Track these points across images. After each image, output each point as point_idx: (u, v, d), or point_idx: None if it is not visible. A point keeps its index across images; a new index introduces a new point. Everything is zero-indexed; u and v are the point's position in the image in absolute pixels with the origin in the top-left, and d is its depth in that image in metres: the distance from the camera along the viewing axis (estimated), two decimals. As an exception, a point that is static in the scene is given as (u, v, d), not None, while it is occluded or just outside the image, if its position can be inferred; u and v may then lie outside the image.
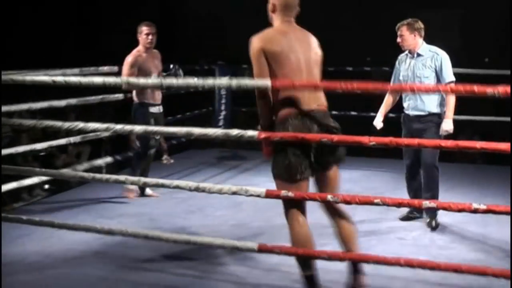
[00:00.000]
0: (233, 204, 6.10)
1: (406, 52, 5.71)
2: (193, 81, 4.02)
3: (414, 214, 5.74)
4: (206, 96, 9.40)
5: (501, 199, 5.98)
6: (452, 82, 5.48)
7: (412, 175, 5.76)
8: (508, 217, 4.48)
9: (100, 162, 7.28)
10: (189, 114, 9.13)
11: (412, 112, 5.64)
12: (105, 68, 6.93)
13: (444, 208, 3.67)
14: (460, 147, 3.50)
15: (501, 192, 6.53)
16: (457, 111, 5.66)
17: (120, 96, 7.04)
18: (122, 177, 4.45)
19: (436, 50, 5.59)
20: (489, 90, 3.20)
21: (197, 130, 3.99)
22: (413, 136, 5.38)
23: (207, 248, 4.39)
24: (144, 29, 6.39)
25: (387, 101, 5.82)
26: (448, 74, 5.51)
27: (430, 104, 5.53)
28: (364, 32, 12.14)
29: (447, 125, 5.47)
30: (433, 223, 5.50)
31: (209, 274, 4.39)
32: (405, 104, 5.70)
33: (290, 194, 3.78)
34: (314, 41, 3.90)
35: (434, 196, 5.46)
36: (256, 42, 3.73)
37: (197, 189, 4.12)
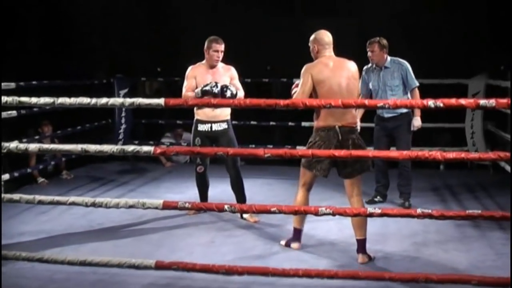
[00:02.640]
0: (134, 218, 6.03)
1: (372, 64, 6.54)
2: (87, 100, 3.97)
3: (378, 198, 6.73)
4: (106, 108, 9.27)
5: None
6: (416, 86, 6.42)
7: (382, 174, 6.71)
8: (403, 219, 4.69)
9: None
10: (89, 126, 8.97)
11: (386, 114, 6.49)
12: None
13: (340, 214, 3.76)
14: (353, 156, 3.62)
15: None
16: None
17: (13, 112, 6.75)
18: (16, 196, 4.32)
19: (399, 61, 6.48)
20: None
21: (92, 147, 3.95)
22: (389, 134, 6.52)
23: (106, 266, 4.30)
24: (213, 46, 5.94)
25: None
26: (413, 80, 6.42)
27: None
28: (263, 40, 12.24)
29: (417, 122, 6.44)
30: (406, 204, 6.50)
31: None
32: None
33: (187, 205, 3.79)
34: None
35: (410, 188, 6.62)
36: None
37: (93, 205, 4.08)
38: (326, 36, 4.92)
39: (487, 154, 3.88)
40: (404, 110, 6.38)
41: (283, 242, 5.21)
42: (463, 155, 3.79)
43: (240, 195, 6.13)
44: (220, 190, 7.20)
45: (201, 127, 6.05)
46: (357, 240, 4.88)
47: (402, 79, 6.42)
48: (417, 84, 6.43)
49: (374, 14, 11.30)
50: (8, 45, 9.63)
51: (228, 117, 6.09)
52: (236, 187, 6.14)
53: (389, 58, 6.49)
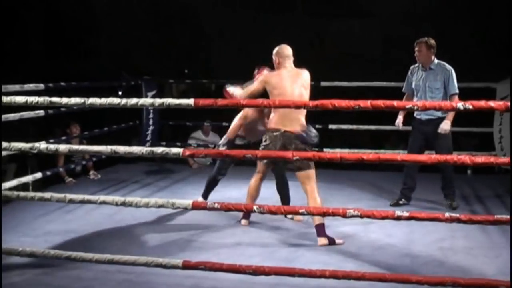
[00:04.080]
0: (161, 218, 6.08)
1: (418, 64, 6.55)
2: (118, 101, 4.01)
3: (402, 201, 6.75)
4: (134, 109, 9.33)
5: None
6: (455, 94, 6.42)
7: (411, 177, 6.74)
8: (430, 223, 4.67)
9: (26, 179, 7.08)
10: (116, 127, 9.04)
11: (424, 117, 6.52)
12: (31, 86, 6.36)
13: (368, 216, 3.76)
14: (381, 160, 3.61)
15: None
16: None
17: (41, 112, 6.81)
18: (47, 195, 4.37)
19: (444, 65, 6.48)
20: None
21: (122, 149, 4.00)
22: (426, 137, 6.53)
23: (133, 265, 4.32)
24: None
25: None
26: (453, 87, 6.41)
27: None
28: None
29: (446, 125, 6.38)
30: (454, 205, 6.58)
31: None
32: None
33: (216, 205, 3.81)
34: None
35: (453, 190, 6.70)
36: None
37: (123, 204, 4.12)
38: (286, 50, 5.51)
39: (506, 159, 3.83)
40: (441, 114, 6.40)
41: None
42: (492, 159, 3.77)
43: (285, 197, 6.12)
44: (245, 192, 7.22)
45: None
46: (316, 226, 5.23)
47: (444, 83, 6.44)
48: (457, 91, 6.43)
49: (398, 16, 11.27)
50: (29, 47, 9.74)
51: None
52: (282, 190, 6.16)
53: (436, 60, 6.50)
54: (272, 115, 5.47)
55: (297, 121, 5.35)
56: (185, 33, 12.05)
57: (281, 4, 12.16)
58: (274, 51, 5.52)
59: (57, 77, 7.52)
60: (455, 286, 3.70)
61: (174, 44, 11.99)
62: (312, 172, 5.39)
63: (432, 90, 6.47)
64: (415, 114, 6.61)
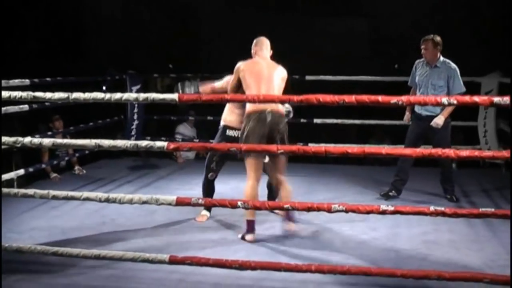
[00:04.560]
0: (146, 213, 6.07)
1: (424, 59, 6.56)
2: (102, 95, 3.99)
3: (393, 193, 6.80)
4: (119, 104, 9.29)
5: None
6: (460, 93, 6.35)
7: (404, 170, 6.76)
8: (415, 217, 4.69)
9: (10, 175, 7.03)
10: (101, 122, 9.00)
11: (424, 112, 6.53)
12: (16, 81, 6.30)
13: (353, 211, 3.77)
14: (366, 153, 3.62)
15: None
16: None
17: (25, 106, 6.77)
18: (30, 191, 4.34)
19: (450, 64, 6.49)
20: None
21: (106, 143, 3.97)
22: (424, 133, 6.56)
23: (119, 261, 4.30)
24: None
25: None
26: (459, 85, 6.44)
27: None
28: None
29: (439, 120, 6.39)
30: (454, 198, 6.70)
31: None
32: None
33: (201, 201, 3.80)
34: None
35: (453, 185, 6.80)
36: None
37: (107, 200, 4.10)
38: (264, 40, 5.57)
39: (501, 152, 3.86)
40: (440, 110, 6.43)
41: (239, 235, 5.34)
42: (476, 153, 3.78)
43: (273, 192, 5.92)
44: (232, 187, 7.22)
45: (230, 133, 5.88)
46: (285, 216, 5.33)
47: (448, 81, 6.46)
48: (463, 90, 6.43)
49: (387, 14, 11.29)
50: (18, 44, 9.68)
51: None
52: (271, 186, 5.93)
53: (442, 58, 6.52)
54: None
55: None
56: (175, 26, 12.04)
57: (279, 3, 12.16)
58: (253, 43, 5.57)
59: (54, 75, 7.47)
60: (440, 279, 3.72)
61: (172, 43, 11.97)
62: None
63: (435, 87, 6.49)
64: (415, 109, 6.67)
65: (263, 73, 5.36)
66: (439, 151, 3.70)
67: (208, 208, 6.04)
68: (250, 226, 5.22)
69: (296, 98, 3.72)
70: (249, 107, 5.32)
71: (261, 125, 5.17)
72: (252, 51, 5.57)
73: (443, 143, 6.30)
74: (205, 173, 6.06)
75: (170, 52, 12.04)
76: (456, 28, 10.86)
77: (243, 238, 5.25)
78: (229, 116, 5.90)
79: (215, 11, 11.96)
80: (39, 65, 9.35)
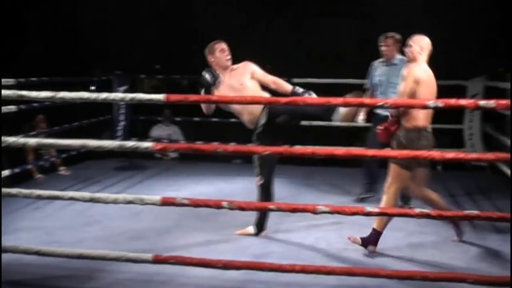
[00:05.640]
0: (131, 214, 6.04)
1: (381, 60, 6.57)
2: (88, 95, 3.97)
3: (368, 194, 6.79)
4: (106, 105, 9.27)
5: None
6: None
7: (371, 172, 6.69)
8: (400, 219, 4.71)
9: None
10: (86, 122, 8.96)
11: (384, 113, 6.19)
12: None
13: (338, 212, 3.77)
14: (352, 155, 3.62)
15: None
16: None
17: (13, 108, 6.72)
18: (14, 190, 4.31)
19: (405, 59, 6.23)
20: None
21: (92, 143, 3.96)
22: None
23: (104, 260, 4.29)
24: (217, 47, 5.48)
25: None
26: None
27: None
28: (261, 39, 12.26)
29: None
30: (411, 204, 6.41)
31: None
32: None
33: (186, 201, 3.79)
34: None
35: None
36: None
37: (92, 200, 4.08)
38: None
39: (486, 155, 3.89)
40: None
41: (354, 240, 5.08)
42: (462, 155, 3.80)
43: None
44: (218, 188, 7.23)
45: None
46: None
47: None
48: None
49: (373, 16, 11.32)
50: (5, 42, 9.62)
51: None
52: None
53: (399, 56, 6.47)
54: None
55: None
56: (162, 27, 12.03)
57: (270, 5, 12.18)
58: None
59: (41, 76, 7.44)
60: (424, 280, 3.73)
61: (160, 44, 11.96)
62: None
63: (394, 85, 6.22)
64: (377, 111, 6.57)
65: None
66: (424, 153, 3.71)
67: (260, 224, 5.45)
68: (377, 238, 5.01)
69: (283, 100, 3.72)
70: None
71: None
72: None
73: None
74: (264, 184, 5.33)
75: (158, 53, 12.02)
76: (445, 30, 10.90)
77: (364, 245, 5.02)
78: None
79: (204, 11, 11.96)
80: (27, 66, 9.29)
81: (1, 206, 4.67)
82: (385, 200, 4.93)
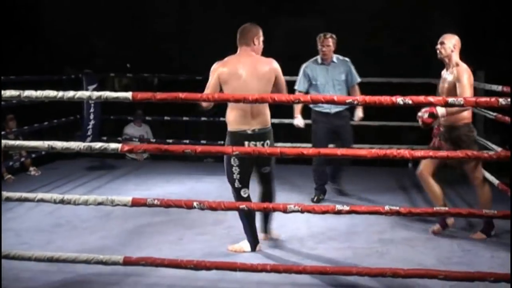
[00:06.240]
0: (102, 214, 6.01)
1: (314, 60, 6.62)
2: (54, 93, 3.93)
3: (321, 197, 6.79)
4: (76, 104, 9.18)
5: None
6: (358, 82, 6.70)
7: (323, 169, 6.78)
8: (372, 216, 4.73)
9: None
10: (56, 121, 8.86)
11: (333, 109, 6.57)
12: None
13: (308, 211, 3.77)
14: (321, 154, 3.62)
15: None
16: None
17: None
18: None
19: (344, 58, 6.69)
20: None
21: (59, 144, 3.92)
22: (334, 130, 6.60)
23: (73, 263, 4.24)
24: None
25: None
26: (356, 76, 6.69)
27: None
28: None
29: (361, 113, 6.70)
30: (339, 191, 6.96)
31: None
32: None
33: (156, 202, 3.77)
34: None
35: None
36: None
37: (62, 202, 4.04)
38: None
39: (455, 152, 3.91)
40: (346, 105, 6.43)
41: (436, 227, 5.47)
42: (431, 153, 3.83)
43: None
44: (188, 188, 7.21)
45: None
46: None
47: (347, 75, 6.63)
48: (359, 80, 6.70)
49: (343, 14, 11.35)
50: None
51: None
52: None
53: (334, 54, 6.65)
54: None
55: None
56: (133, 26, 11.97)
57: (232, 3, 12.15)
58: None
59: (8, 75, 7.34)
60: (395, 277, 3.75)
61: (130, 43, 11.90)
62: None
63: (339, 83, 6.59)
64: (316, 108, 6.64)
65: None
66: (394, 151, 3.72)
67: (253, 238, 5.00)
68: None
69: (251, 97, 3.71)
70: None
71: None
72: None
73: (351, 141, 6.66)
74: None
75: (128, 52, 11.96)
76: (413, 30, 10.98)
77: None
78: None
79: (171, 11, 11.92)
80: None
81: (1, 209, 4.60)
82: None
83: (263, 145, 4.65)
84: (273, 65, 4.81)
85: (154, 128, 10.23)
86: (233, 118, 4.71)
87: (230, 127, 4.75)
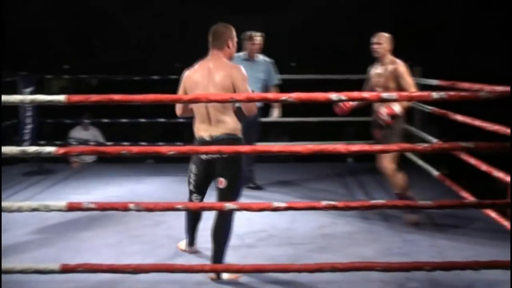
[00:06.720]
0: (40, 220, 5.87)
1: (238, 55, 6.62)
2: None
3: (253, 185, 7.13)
4: (13, 108, 8.98)
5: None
6: (277, 84, 7.08)
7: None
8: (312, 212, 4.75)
9: None
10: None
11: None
12: None
13: (245, 209, 3.77)
14: (257, 151, 3.62)
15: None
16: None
17: None
18: None
19: (265, 58, 7.02)
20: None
21: (-10, 149, 3.81)
22: (251, 126, 6.52)
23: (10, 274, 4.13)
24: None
25: None
26: (276, 77, 7.08)
27: None
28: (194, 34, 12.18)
29: (277, 112, 7.21)
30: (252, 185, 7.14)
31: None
32: None
33: (92, 205, 3.72)
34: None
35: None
36: None
37: (-5, 209, 3.93)
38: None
39: (391, 146, 3.96)
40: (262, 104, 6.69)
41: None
42: (366, 147, 3.86)
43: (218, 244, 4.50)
44: (127, 189, 7.16)
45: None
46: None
47: (267, 74, 6.96)
48: (277, 82, 7.09)
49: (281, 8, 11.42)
50: None
51: None
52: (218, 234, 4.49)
53: (259, 54, 6.98)
54: None
55: None
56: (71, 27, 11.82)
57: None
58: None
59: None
60: (334, 271, 3.77)
61: (67, 43, 11.73)
62: None
63: (259, 81, 6.83)
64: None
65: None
66: (329, 146, 3.73)
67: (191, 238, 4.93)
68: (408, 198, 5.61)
69: (185, 97, 3.69)
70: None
71: None
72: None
73: (257, 136, 6.94)
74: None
75: (66, 53, 11.81)
76: (354, 27, 11.10)
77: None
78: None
79: (114, 11, 11.81)
80: None
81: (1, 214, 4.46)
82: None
83: (220, 157, 4.31)
84: (230, 72, 4.53)
85: (112, 131, 10.02)
86: (195, 125, 4.53)
87: (195, 134, 4.55)
